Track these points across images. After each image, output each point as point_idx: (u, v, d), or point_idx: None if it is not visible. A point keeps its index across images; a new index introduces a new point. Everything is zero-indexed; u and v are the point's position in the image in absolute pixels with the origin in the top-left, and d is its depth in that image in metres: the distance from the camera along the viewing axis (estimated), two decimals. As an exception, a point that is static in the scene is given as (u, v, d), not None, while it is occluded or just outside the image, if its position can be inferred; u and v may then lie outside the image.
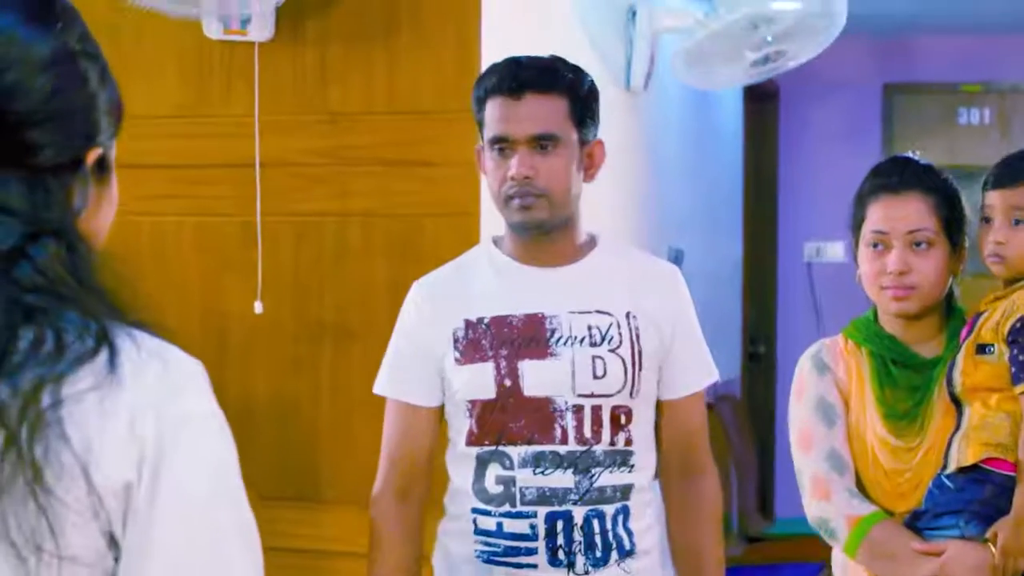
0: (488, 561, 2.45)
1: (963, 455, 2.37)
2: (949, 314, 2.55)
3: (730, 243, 6.44)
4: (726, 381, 5.85)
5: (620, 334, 2.46)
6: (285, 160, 3.30)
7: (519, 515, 2.42)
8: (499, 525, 2.44)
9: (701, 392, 2.60)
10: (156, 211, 3.36)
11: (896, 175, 2.52)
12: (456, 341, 2.46)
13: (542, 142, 2.41)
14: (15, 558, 1.17)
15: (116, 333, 1.22)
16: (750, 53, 4.17)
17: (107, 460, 1.19)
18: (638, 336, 2.47)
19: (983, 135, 6.96)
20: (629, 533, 2.46)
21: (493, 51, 3.06)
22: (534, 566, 2.42)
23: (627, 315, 2.47)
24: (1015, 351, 2.36)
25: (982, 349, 2.41)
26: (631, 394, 2.46)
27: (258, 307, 3.28)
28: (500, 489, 2.44)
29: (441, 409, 2.53)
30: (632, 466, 2.46)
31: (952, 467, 2.39)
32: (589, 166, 2.51)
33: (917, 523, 2.43)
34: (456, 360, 2.46)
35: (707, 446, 2.63)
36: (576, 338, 2.44)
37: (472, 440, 2.46)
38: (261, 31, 3.25)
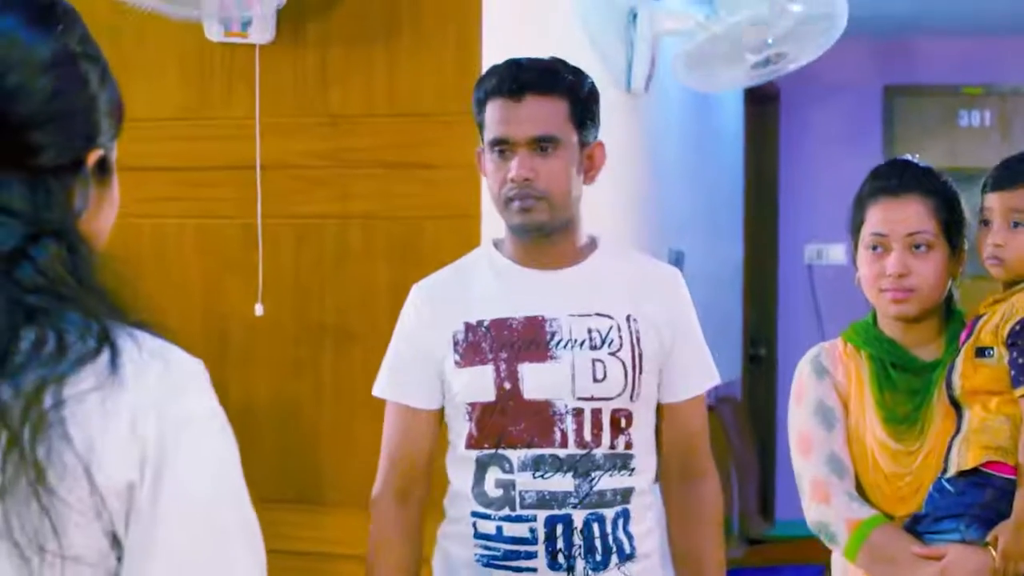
0: (488, 565, 2.44)
1: (963, 459, 2.37)
2: (948, 317, 2.54)
3: (731, 245, 6.44)
4: (727, 383, 5.85)
5: (620, 337, 2.45)
6: (286, 162, 3.31)
7: (519, 519, 2.42)
8: (499, 529, 2.43)
9: (702, 395, 2.59)
10: (157, 213, 3.36)
11: (895, 178, 2.52)
12: (456, 344, 2.46)
13: (542, 144, 2.41)
14: (18, 558, 1.18)
15: (117, 333, 1.22)
16: (751, 55, 4.17)
17: (109, 460, 1.19)
18: (638, 339, 2.46)
19: (984, 137, 6.96)
20: (629, 537, 2.45)
21: (494, 53, 3.06)
22: (534, 570, 2.42)
23: (627, 318, 2.47)
24: (1014, 354, 2.35)
25: (981, 352, 2.40)
26: (631, 397, 2.45)
27: (259, 309, 3.28)
28: (500, 493, 2.43)
29: (441, 412, 2.52)
30: (632, 469, 2.46)
31: (952, 471, 2.38)
32: (589, 168, 2.50)
33: (917, 527, 2.42)
34: (456, 363, 2.46)
35: (708, 449, 2.62)
36: (576, 341, 2.44)
37: (472, 443, 2.45)
38: (262, 33, 3.25)
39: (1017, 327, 2.37)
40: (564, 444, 2.42)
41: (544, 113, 2.41)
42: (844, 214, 2.58)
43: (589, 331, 2.44)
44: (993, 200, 2.48)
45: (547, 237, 2.47)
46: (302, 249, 3.31)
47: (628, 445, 2.45)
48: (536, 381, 2.42)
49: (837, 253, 6.47)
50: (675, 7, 4.50)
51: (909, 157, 2.62)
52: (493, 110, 2.43)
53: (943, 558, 2.36)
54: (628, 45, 4.22)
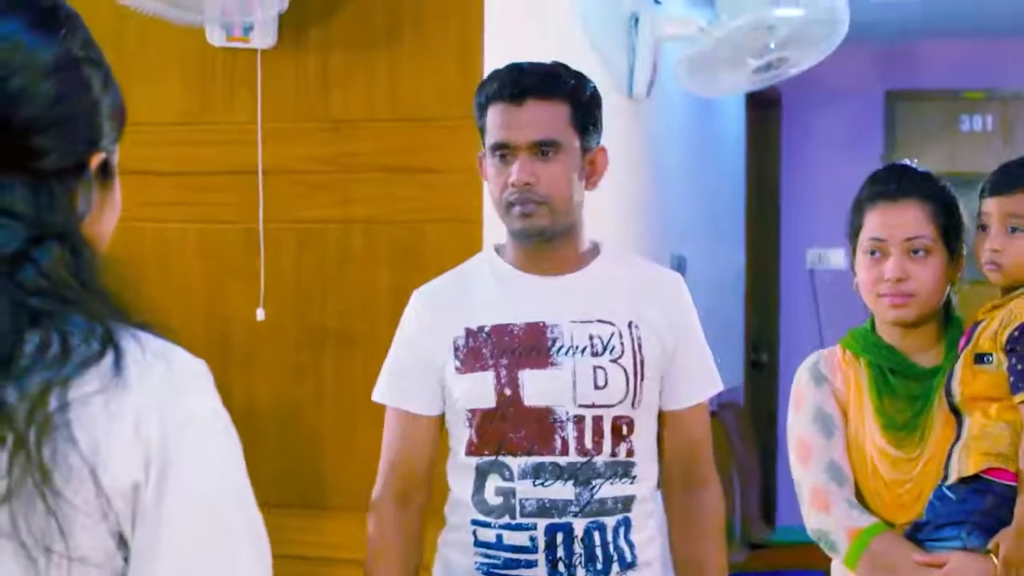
0: (488, 573, 2.43)
1: (964, 465, 2.36)
2: (947, 323, 2.53)
3: (732, 250, 6.44)
4: (729, 388, 5.85)
5: (622, 344, 2.44)
6: (287, 167, 3.31)
7: (519, 527, 2.41)
8: (499, 537, 2.42)
9: (704, 402, 2.58)
10: (159, 218, 3.36)
11: (894, 182, 2.51)
12: (456, 350, 2.45)
13: (543, 148, 2.40)
14: (25, 559, 1.19)
15: (121, 335, 1.23)
16: (752, 60, 4.18)
17: (114, 462, 1.20)
18: (640, 346, 2.45)
19: (985, 142, 6.96)
20: (630, 545, 2.44)
21: (495, 58, 3.06)
22: (534, 579, 2.41)
23: (629, 324, 2.46)
24: (1014, 360, 2.35)
25: (980, 358, 2.39)
26: (633, 404, 2.44)
27: (260, 314, 3.28)
28: (500, 501, 2.42)
29: (442, 418, 2.51)
30: (634, 477, 2.44)
31: (953, 478, 2.37)
32: (591, 173, 2.49)
33: (918, 535, 2.41)
34: (456, 369, 2.45)
35: (710, 457, 2.60)
36: (577, 348, 2.43)
37: (472, 450, 2.44)
38: (264, 38, 3.25)
39: (1016, 333, 2.36)
40: (565, 452, 2.40)
41: (545, 117, 2.40)
42: (845, 219, 2.58)
43: (590, 338, 2.43)
44: (991, 205, 2.48)
45: (548, 242, 2.46)
46: (304, 253, 3.31)
47: (629, 453, 2.44)
48: (537, 388, 2.41)
49: (839, 258, 6.47)
50: (677, 12, 4.51)
51: (907, 162, 2.62)
52: (494, 114, 2.43)
53: (944, 566, 2.35)
54: (630, 50, 4.23)
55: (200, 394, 1.26)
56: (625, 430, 2.44)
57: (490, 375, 2.42)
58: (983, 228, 2.49)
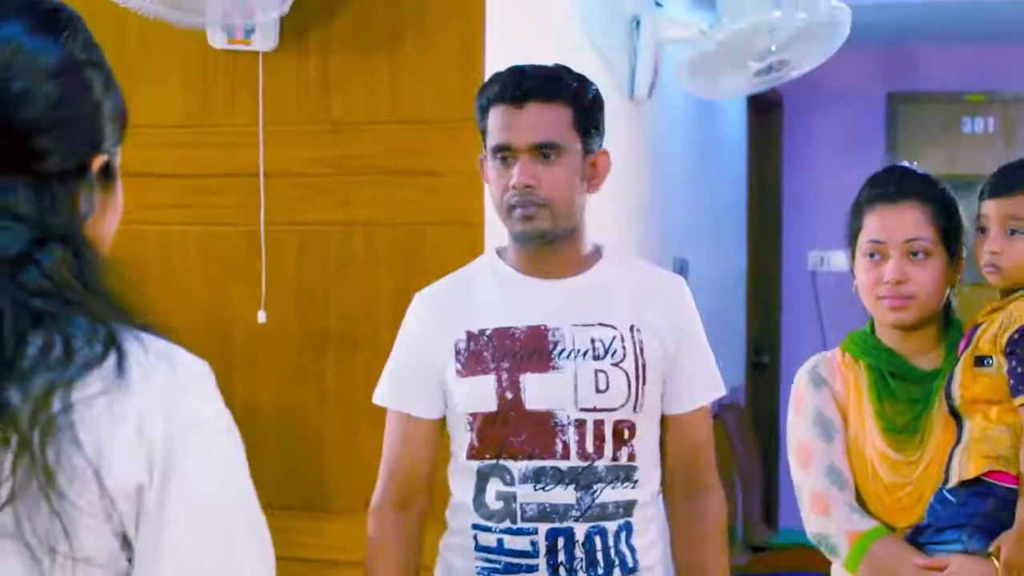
0: (489, 578, 2.43)
1: (965, 468, 2.35)
2: (947, 326, 2.53)
3: (734, 252, 6.44)
4: (730, 390, 5.85)
5: (624, 347, 2.43)
6: (289, 170, 3.31)
7: (520, 531, 2.40)
8: (500, 542, 2.41)
9: (707, 406, 2.57)
10: (161, 220, 3.36)
11: (893, 184, 2.50)
12: (458, 353, 2.44)
13: (544, 151, 2.39)
14: (30, 559, 1.19)
15: (124, 336, 1.24)
16: (754, 63, 4.18)
17: (118, 463, 1.21)
18: (642, 349, 2.44)
19: (987, 144, 6.96)
20: (632, 550, 2.43)
21: (496, 60, 3.06)
22: (535, 583, 2.40)
23: (631, 328, 2.45)
24: (1013, 363, 2.34)
25: (980, 361, 2.39)
26: (634, 408, 2.43)
27: (262, 316, 3.28)
28: (500, 505, 2.41)
29: (443, 421, 2.51)
30: (635, 482, 2.43)
31: (954, 481, 2.37)
32: (593, 176, 2.47)
33: (919, 538, 2.41)
34: (457, 372, 2.44)
35: (712, 462, 2.59)
36: (579, 351, 2.42)
37: (472, 453, 2.43)
38: (265, 41, 3.25)
39: (1015, 335, 2.36)
40: (566, 456, 2.39)
41: (546, 120, 2.39)
42: (845, 221, 2.57)
43: (592, 341, 2.42)
44: (990, 207, 2.47)
45: (550, 245, 2.45)
46: (305, 256, 3.31)
47: (631, 457, 2.43)
48: (538, 391, 2.40)
49: (840, 260, 6.39)
50: (678, 14, 4.51)
51: (907, 164, 2.61)
52: (495, 117, 2.42)
53: (945, 569, 2.35)
54: (631, 52, 4.23)
55: (203, 395, 1.27)
56: (627, 434, 2.43)
57: (491, 378, 2.41)
58: (982, 230, 2.48)
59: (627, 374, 2.42)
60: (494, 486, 2.42)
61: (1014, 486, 2.33)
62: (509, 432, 2.40)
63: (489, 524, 2.42)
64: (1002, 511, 2.34)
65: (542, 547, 2.39)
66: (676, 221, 5.09)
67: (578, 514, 2.39)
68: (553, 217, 2.40)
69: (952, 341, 2.49)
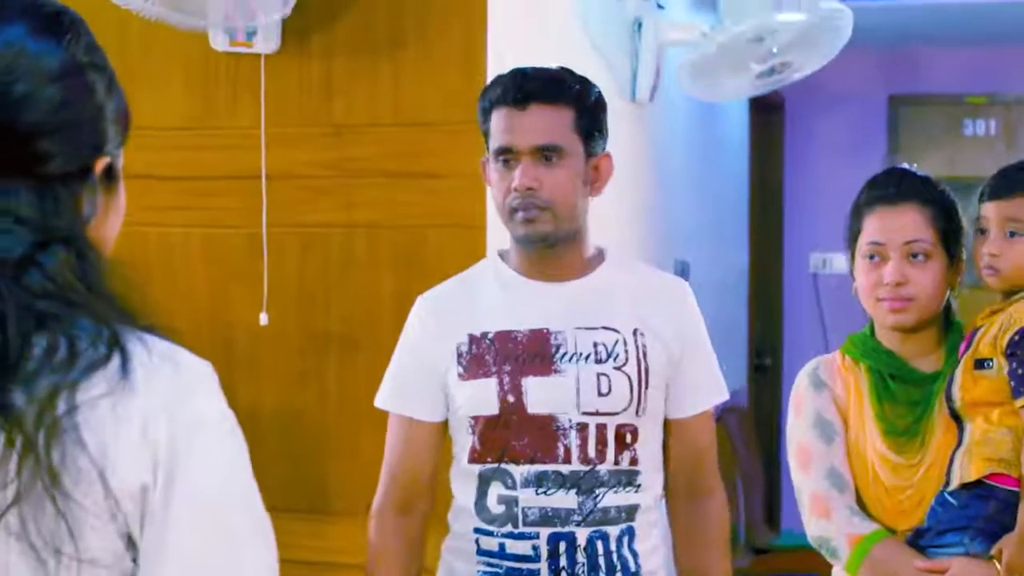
0: (491, 582, 2.43)
1: (966, 471, 2.35)
2: (947, 328, 2.52)
3: (736, 254, 6.44)
4: (732, 392, 5.84)
5: (626, 351, 2.42)
6: (291, 172, 3.31)
7: (521, 536, 2.39)
8: (501, 546, 2.41)
9: (710, 410, 2.56)
10: (163, 222, 3.37)
11: (893, 186, 2.50)
12: (460, 356, 2.44)
13: (546, 153, 2.39)
14: (35, 560, 1.20)
15: (127, 338, 1.24)
16: (755, 65, 4.18)
17: (122, 464, 1.21)
18: (645, 353, 2.43)
19: (988, 146, 6.96)
20: (634, 554, 2.42)
21: (498, 63, 3.07)
22: (537, 588, 2.39)
23: (634, 332, 2.44)
24: (1014, 364, 2.34)
25: (981, 364, 2.38)
26: (637, 412, 2.42)
27: (264, 318, 3.28)
28: (502, 509, 2.40)
29: (445, 424, 2.50)
30: (638, 486, 2.43)
31: (955, 483, 2.36)
32: (595, 179, 2.47)
33: (920, 541, 2.40)
34: (459, 375, 2.43)
35: (715, 466, 2.58)
36: (581, 355, 2.41)
37: (474, 457, 2.43)
38: (267, 43, 3.25)
39: (1016, 337, 2.35)
40: (568, 460, 2.39)
41: (549, 122, 2.39)
42: (845, 223, 2.57)
43: (595, 345, 2.42)
44: (989, 209, 2.47)
45: (552, 248, 2.44)
46: (307, 258, 3.31)
47: (633, 461, 2.42)
48: (540, 395, 2.39)
49: (842, 262, 6.39)
50: (680, 17, 4.51)
51: (906, 166, 2.61)
52: (498, 119, 2.42)
53: (947, 572, 2.35)
54: (633, 55, 4.23)
55: (207, 396, 1.27)
56: (629, 438, 2.42)
57: (493, 382, 2.41)
58: (982, 232, 2.48)
59: (630, 378, 2.42)
60: (496, 490, 2.41)
61: (1016, 488, 2.33)
62: (511, 436, 2.40)
63: (491, 528, 2.42)
64: (1004, 514, 2.33)
65: (544, 551, 2.38)
66: (678, 223, 5.09)
67: (580, 518, 2.39)
68: (555, 220, 2.40)
69: (952, 343, 2.49)
